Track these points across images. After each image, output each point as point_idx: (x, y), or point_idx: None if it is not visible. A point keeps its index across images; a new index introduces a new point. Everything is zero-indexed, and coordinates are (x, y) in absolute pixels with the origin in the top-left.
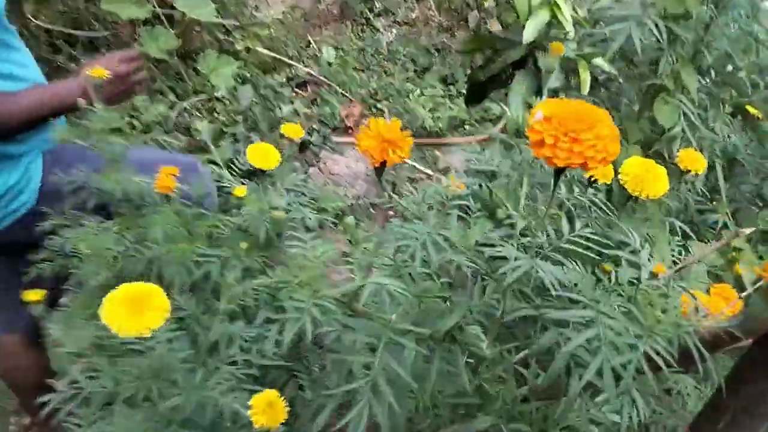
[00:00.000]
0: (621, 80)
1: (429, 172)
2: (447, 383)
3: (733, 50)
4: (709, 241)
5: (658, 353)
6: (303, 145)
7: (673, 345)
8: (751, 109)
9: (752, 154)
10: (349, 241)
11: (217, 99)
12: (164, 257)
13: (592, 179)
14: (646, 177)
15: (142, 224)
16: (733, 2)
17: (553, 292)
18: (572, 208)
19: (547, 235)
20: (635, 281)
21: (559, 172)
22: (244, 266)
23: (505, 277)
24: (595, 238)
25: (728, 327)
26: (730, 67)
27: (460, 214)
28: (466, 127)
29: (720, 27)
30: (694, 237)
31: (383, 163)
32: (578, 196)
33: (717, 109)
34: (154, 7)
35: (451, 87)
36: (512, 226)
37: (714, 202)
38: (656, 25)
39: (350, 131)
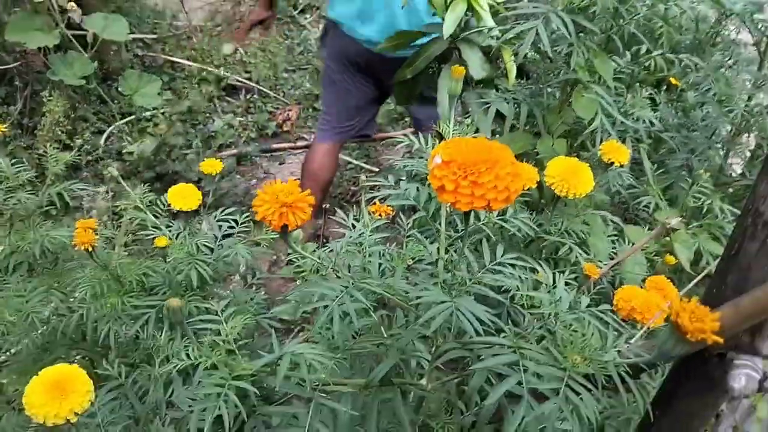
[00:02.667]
0: (539, 74)
1: (375, 169)
2: (391, 426)
3: (643, 33)
4: (643, 223)
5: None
6: (241, 158)
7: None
8: (673, 80)
9: (679, 126)
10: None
11: (147, 120)
12: (94, 315)
13: None
14: (571, 177)
15: (66, 281)
16: None
17: (474, 338)
18: (490, 235)
19: (469, 268)
20: (554, 314)
21: (467, 213)
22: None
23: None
24: (516, 263)
25: (643, 361)
26: (644, 49)
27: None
28: (406, 119)
29: (628, 12)
30: (622, 223)
31: (285, 226)
32: (499, 220)
33: (634, 94)
34: (63, 32)
35: None
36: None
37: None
38: (563, 21)
39: (289, 136)
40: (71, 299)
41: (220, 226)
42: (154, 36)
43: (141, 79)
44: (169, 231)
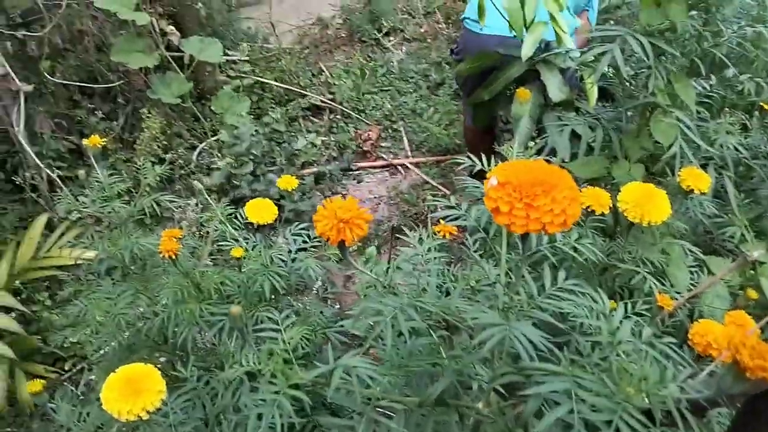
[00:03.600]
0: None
1: (447, 190)
2: None
3: (736, 56)
4: (729, 255)
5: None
6: (320, 176)
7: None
8: (765, 105)
9: None
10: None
11: (235, 137)
12: (174, 319)
13: (590, 209)
14: (646, 203)
15: (152, 286)
16: (722, 12)
17: (528, 363)
18: (554, 262)
19: (529, 295)
20: (611, 345)
21: (525, 236)
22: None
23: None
24: (575, 288)
25: (703, 397)
26: (731, 72)
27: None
28: None
29: (712, 35)
30: (704, 254)
31: (342, 242)
32: (560, 246)
33: (717, 120)
34: (162, 53)
35: None
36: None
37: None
38: (640, 43)
39: (369, 155)
40: (156, 304)
41: (295, 241)
42: (246, 58)
43: (232, 98)
44: (246, 243)
